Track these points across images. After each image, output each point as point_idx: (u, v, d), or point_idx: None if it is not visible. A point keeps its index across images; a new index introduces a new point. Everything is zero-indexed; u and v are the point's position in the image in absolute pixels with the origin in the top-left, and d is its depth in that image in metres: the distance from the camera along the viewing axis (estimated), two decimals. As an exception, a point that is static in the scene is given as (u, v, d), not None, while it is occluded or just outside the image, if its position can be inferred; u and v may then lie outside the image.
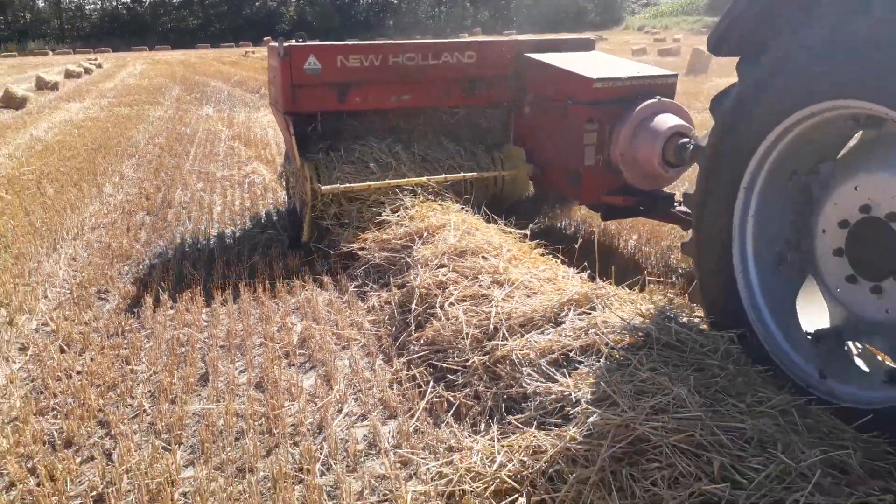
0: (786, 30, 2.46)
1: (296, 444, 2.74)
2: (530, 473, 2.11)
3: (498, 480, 2.12)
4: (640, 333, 2.73)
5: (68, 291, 4.41)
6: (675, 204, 4.79)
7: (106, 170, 8.03)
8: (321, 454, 2.66)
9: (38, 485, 2.52)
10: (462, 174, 5.14)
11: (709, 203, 2.82)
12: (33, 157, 8.82)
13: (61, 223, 5.80)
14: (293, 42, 5.02)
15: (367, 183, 4.88)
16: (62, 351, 3.58)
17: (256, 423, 2.87)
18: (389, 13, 68.83)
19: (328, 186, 4.81)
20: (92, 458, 2.70)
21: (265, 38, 46.75)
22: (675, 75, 5.02)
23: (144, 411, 3.00)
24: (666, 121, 4.50)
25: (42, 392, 3.18)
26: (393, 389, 3.08)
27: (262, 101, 14.81)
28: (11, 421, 2.96)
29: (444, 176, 5.08)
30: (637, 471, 1.98)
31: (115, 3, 65.11)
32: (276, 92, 5.21)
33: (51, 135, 10.79)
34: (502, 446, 2.27)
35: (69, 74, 23.03)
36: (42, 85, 19.02)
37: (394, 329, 3.63)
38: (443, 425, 2.77)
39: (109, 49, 45.67)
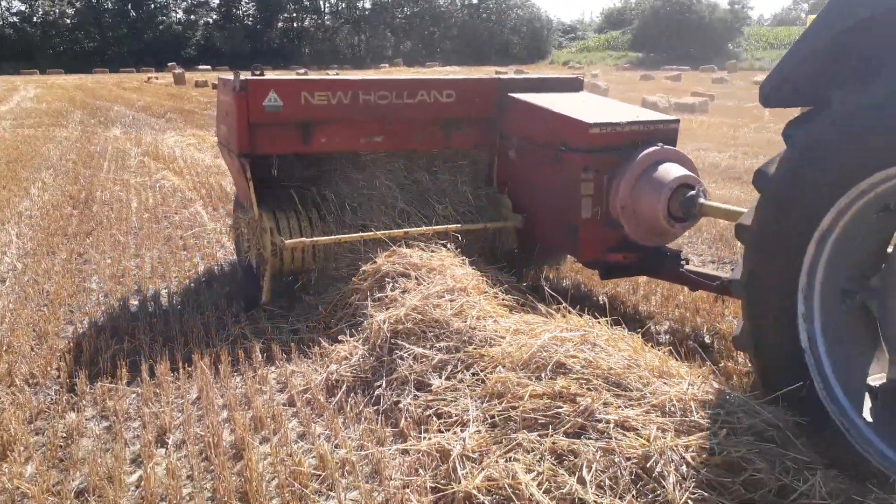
0: (851, 82, 2.43)
1: None
2: None
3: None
4: None
5: (24, 254, 6.46)
6: (683, 262, 4.69)
7: (28, 177, 10.00)
8: None
9: None
10: (445, 226, 5.05)
11: (762, 287, 2.76)
12: (-47, 168, 10.66)
13: (2, 213, 7.80)
14: (249, 75, 4.92)
15: (336, 237, 4.86)
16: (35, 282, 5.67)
17: None
18: (305, 41, 71.54)
19: (292, 240, 4.74)
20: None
21: (170, 64, 48.57)
22: (677, 120, 4.95)
23: (100, 303, 5.14)
24: (671, 171, 4.44)
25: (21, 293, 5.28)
26: None
27: (168, 125, 16.89)
28: None
29: (423, 228, 5.00)
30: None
31: (0, 24, 65.42)
32: (229, 131, 5.07)
33: (-38, 151, 12.58)
34: None
35: (-41, 97, 24.38)
36: (-66, 106, 20.46)
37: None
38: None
39: (-6, 71, 46.37)
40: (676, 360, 3.36)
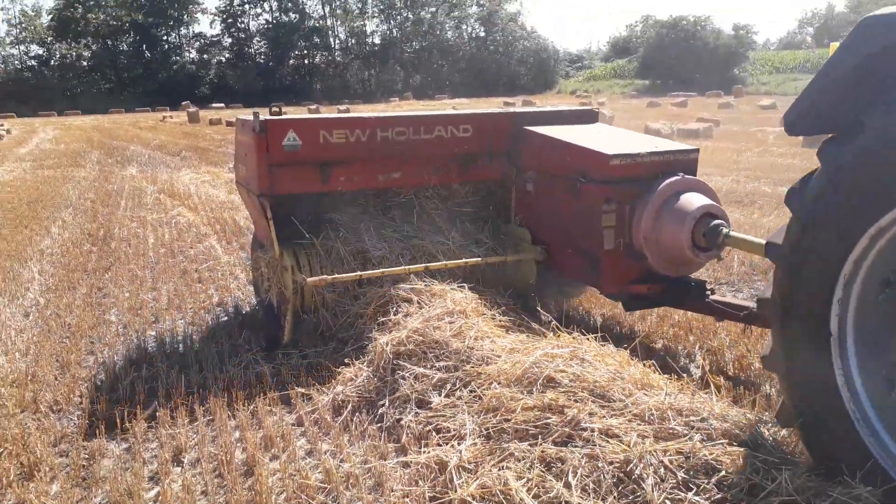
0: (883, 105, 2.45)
1: None
2: None
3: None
4: None
5: (46, 290, 6.73)
6: (708, 293, 4.69)
7: (48, 216, 10.34)
8: None
9: (64, 358, 4.87)
10: (464, 260, 5.09)
11: (793, 307, 2.74)
12: (-24, 210, 11.04)
13: (24, 251, 8.11)
14: (268, 115, 4.98)
15: (358, 273, 4.87)
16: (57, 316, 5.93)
17: None
18: (316, 77, 72.69)
19: (314, 278, 4.77)
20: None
21: (184, 103, 49.54)
22: (697, 150, 4.96)
23: (119, 333, 5.38)
24: (693, 201, 4.46)
25: (50, 328, 5.53)
26: None
27: (183, 163, 17.30)
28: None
29: (444, 263, 5.01)
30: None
31: (18, 66, 67.04)
32: (249, 172, 5.12)
33: (-15, 192, 12.99)
34: None
35: (-20, 140, 25.05)
36: (-44, 150, 21.05)
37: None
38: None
39: (14, 114, 47.42)
40: (659, 373, 3.54)
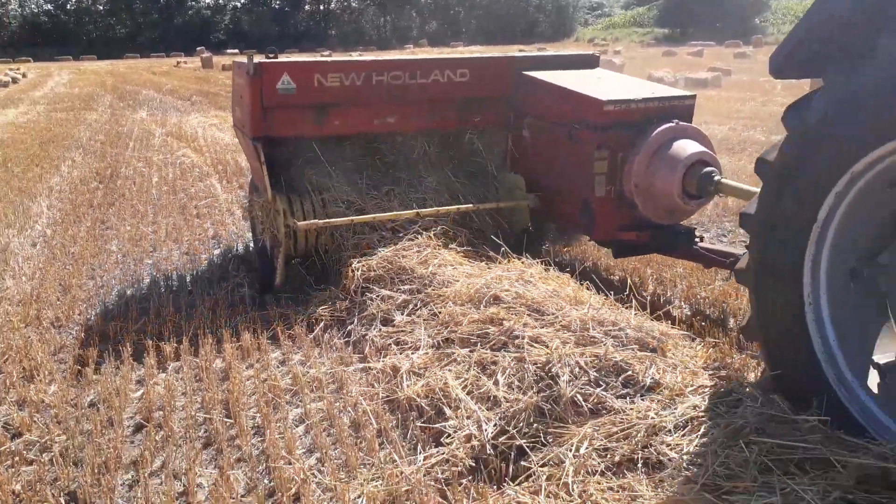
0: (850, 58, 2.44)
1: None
2: None
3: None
4: None
5: (53, 223, 7.12)
6: (697, 240, 4.72)
7: (59, 156, 10.71)
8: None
9: (66, 281, 5.27)
10: (455, 206, 5.11)
11: (768, 275, 2.75)
12: (-9, 149, 11.43)
13: (35, 187, 8.49)
14: (263, 58, 4.99)
15: (350, 218, 4.90)
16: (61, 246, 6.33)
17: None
18: (331, 23, 72.13)
19: (305, 222, 4.81)
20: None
21: (198, 49, 49.42)
22: (694, 96, 4.94)
23: (118, 261, 5.77)
24: (686, 147, 4.41)
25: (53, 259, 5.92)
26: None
27: (193, 108, 17.57)
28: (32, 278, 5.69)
29: (435, 209, 5.04)
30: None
31: (35, 10, 67.02)
32: (243, 114, 5.13)
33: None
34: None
35: (-4, 83, 25.41)
36: (-28, 93, 21.44)
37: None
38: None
39: (30, 59, 47.67)
40: (591, 290, 3.87)
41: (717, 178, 4.30)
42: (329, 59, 5.29)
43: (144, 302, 4.87)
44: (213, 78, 28.02)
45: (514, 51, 42.33)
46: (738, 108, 15.06)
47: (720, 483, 2.33)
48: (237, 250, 6.08)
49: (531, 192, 5.24)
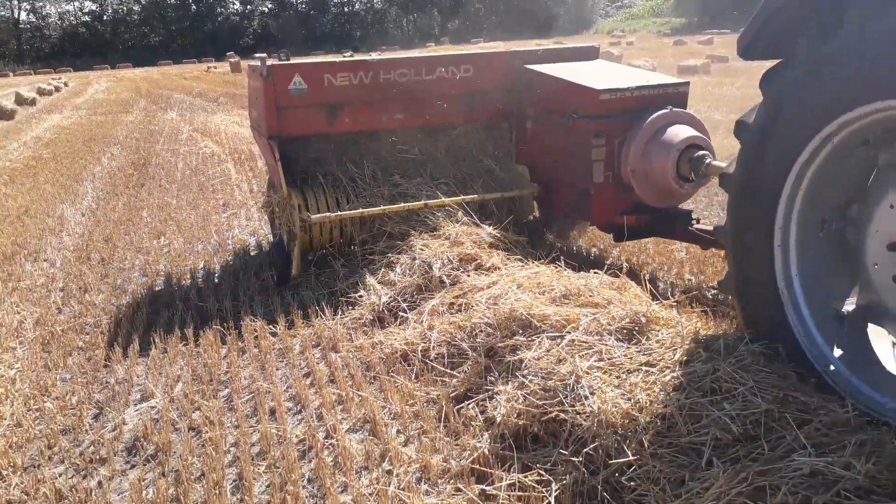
0: (818, 31, 2.52)
1: (214, 224, 7.13)
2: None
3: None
4: None
5: (97, 199, 8.75)
6: (693, 221, 4.83)
7: (100, 151, 12.43)
8: (224, 225, 7.06)
9: (108, 235, 6.90)
10: (461, 197, 5.25)
11: (745, 232, 2.91)
12: (41, 147, 13.20)
13: (81, 174, 10.17)
14: (276, 60, 5.18)
15: (361, 210, 5.08)
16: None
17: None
18: (356, 24, 74.03)
19: (318, 216, 4.97)
20: (128, 232, 7.09)
21: (228, 54, 51.47)
22: (688, 83, 5.05)
23: (148, 222, 7.39)
24: (679, 132, 4.57)
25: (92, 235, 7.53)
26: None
27: (219, 108, 19.29)
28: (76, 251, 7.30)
29: (441, 200, 5.18)
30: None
31: (74, 22, 70.03)
32: (259, 115, 5.33)
33: (48, 135, 15.19)
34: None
35: (41, 92, 27.46)
36: (21, 101, 23.42)
37: None
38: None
39: (70, 69, 50.25)
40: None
41: (707, 160, 4.49)
42: (339, 59, 5.54)
43: (168, 246, 6.45)
44: (240, 81, 29.79)
45: (531, 45, 43.13)
46: (715, 92, 16.26)
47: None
48: (239, 211, 7.62)
49: (535, 182, 5.53)
